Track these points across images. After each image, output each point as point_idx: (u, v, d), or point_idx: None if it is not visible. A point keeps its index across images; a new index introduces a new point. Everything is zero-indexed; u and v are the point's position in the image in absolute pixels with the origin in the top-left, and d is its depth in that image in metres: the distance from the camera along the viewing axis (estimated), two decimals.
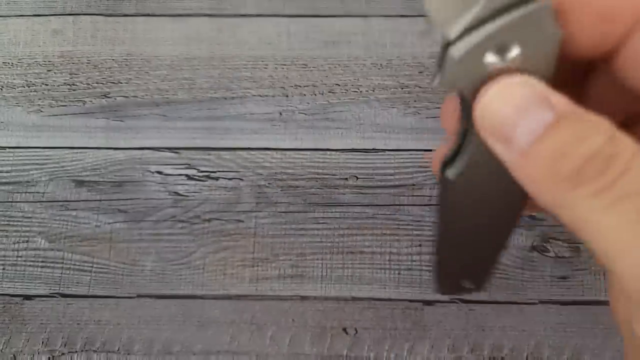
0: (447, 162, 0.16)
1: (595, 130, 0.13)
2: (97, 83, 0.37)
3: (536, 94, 0.13)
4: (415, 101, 0.36)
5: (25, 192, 0.35)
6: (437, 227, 0.17)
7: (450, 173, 0.15)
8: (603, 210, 0.13)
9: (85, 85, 0.37)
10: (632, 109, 0.16)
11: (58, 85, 0.37)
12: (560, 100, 0.13)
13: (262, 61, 0.37)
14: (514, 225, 0.17)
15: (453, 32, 0.14)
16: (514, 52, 0.14)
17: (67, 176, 0.35)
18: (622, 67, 0.14)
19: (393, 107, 0.36)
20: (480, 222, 0.17)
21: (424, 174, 0.35)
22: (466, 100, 0.14)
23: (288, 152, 0.35)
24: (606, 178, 0.12)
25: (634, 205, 0.12)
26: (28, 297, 0.34)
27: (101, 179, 0.35)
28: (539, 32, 0.14)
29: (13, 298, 0.34)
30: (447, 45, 0.14)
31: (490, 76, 0.14)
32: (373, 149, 0.35)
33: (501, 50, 0.14)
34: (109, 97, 0.37)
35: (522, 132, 0.13)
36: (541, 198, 0.13)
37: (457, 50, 0.14)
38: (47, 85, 0.37)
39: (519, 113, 0.13)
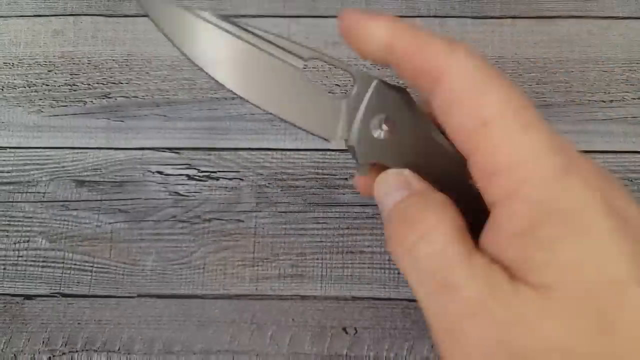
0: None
1: (419, 204, 0.18)
2: (97, 83, 0.37)
3: (403, 180, 0.19)
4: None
5: (26, 192, 0.35)
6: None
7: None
8: (408, 267, 0.17)
9: (86, 85, 0.37)
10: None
11: (59, 86, 0.37)
12: (417, 183, 0.19)
13: None
14: None
15: (340, 135, 0.20)
16: (386, 127, 0.19)
17: (68, 176, 0.35)
18: (438, 105, 0.18)
19: None
20: None
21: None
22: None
23: (288, 152, 0.35)
24: (410, 240, 0.17)
25: (423, 265, 0.16)
26: (29, 297, 0.34)
27: (102, 179, 0.35)
28: (400, 106, 0.20)
29: (14, 298, 0.34)
30: (347, 143, 0.20)
31: (380, 159, 0.20)
32: None
33: (377, 124, 0.20)
34: (109, 98, 0.37)
35: (388, 202, 0.19)
36: (387, 247, 0.18)
37: (352, 140, 0.20)
38: (47, 85, 0.37)
39: (388, 191, 0.19)
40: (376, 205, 0.34)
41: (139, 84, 0.37)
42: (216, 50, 0.20)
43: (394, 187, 0.19)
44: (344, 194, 0.35)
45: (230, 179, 0.35)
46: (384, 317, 0.33)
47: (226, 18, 0.21)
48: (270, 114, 0.20)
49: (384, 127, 0.20)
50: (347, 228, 0.34)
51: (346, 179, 0.35)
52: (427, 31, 0.18)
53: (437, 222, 0.17)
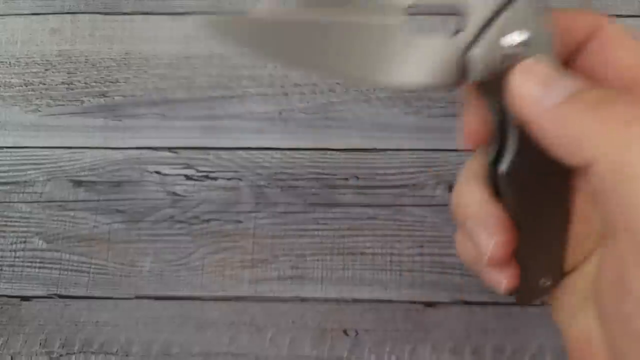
0: (495, 161, 0.17)
1: (617, 96, 0.15)
2: (95, 82, 0.37)
3: (553, 70, 0.16)
4: (416, 100, 0.36)
5: (23, 192, 0.35)
6: (515, 230, 0.18)
7: (504, 167, 0.17)
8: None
9: (83, 84, 0.37)
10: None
11: (56, 85, 0.37)
12: (579, 79, 0.16)
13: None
14: (571, 209, 0.19)
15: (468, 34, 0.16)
16: (522, 37, 0.16)
17: (65, 176, 0.35)
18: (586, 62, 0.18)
19: (394, 107, 0.36)
20: (543, 211, 0.18)
21: (425, 174, 0.34)
22: (492, 93, 0.16)
23: (288, 152, 0.35)
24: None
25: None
26: (26, 298, 0.34)
27: (99, 179, 0.35)
28: (536, 19, 0.16)
29: (11, 299, 0.33)
30: (469, 44, 0.16)
31: (509, 65, 0.16)
32: (374, 149, 0.35)
33: (511, 38, 0.16)
34: (107, 97, 0.36)
35: (549, 98, 0.15)
36: (557, 138, 0.15)
37: (478, 47, 0.16)
38: (44, 84, 0.37)
39: (545, 87, 0.16)
40: (377, 205, 0.34)
41: (136, 83, 0.36)
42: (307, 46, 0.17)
43: (551, 77, 0.16)
44: (344, 195, 0.34)
45: (228, 179, 0.35)
46: (385, 320, 0.33)
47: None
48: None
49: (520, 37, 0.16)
50: (348, 229, 0.34)
51: (346, 179, 0.35)
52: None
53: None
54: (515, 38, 0.16)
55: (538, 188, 0.18)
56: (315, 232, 0.34)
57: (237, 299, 0.33)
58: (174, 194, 0.35)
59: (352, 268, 0.33)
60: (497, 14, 0.17)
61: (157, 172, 0.35)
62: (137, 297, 0.33)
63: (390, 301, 0.33)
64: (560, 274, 0.19)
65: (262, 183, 0.35)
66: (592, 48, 0.18)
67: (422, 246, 0.34)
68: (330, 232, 0.34)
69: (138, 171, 0.35)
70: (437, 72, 0.17)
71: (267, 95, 0.36)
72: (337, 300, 0.33)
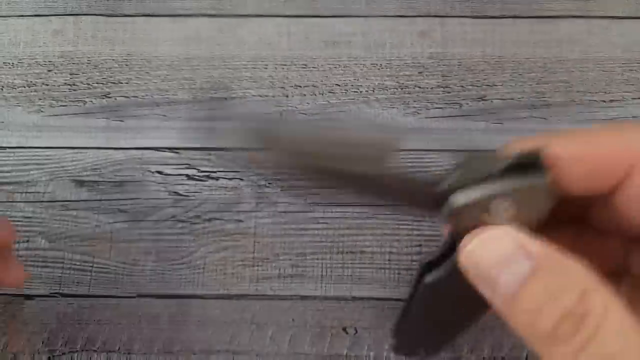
0: (429, 266, 0.17)
1: (568, 285, 0.13)
2: (97, 83, 0.37)
3: (516, 246, 0.14)
4: (414, 101, 0.36)
5: (26, 192, 0.35)
6: (403, 307, 0.18)
7: (430, 278, 0.17)
8: None
9: (86, 85, 0.37)
10: (631, 236, 0.16)
11: (58, 85, 0.37)
12: (538, 249, 0.14)
13: (262, 61, 0.37)
14: (479, 319, 0.19)
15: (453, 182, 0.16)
16: (509, 210, 0.15)
17: (68, 176, 0.35)
18: (622, 202, 0.15)
19: (393, 107, 0.36)
20: (445, 317, 0.19)
21: (425, 174, 0.35)
22: (458, 228, 0.16)
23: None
24: (579, 339, 0.13)
25: None
26: (28, 297, 0.34)
27: (101, 179, 0.35)
28: (535, 197, 0.15)
29: (14, 298, 0.34)
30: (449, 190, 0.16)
31: (479, 222, 0.15)
32: None
33: (495, 208, 0.16)
34: (109, 97, 0.37)
35: (504, 283, 0.14)
36: (527, 343, 0.14)
37: (456, 200, 0.16)
38: (47, 85, 0.37)
39: (500, 264, 0.14)
40: (376, 205, 0.34)
41: (138, 84, 0.37)
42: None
43: (507, 257, 0.14)
44: (344, 194, 0.35)
45: (230, 179, 0.35)
46: (384, 317, 0.33)
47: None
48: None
49: (507, 210, 0.16)
50: (348, 228, 0.34)
51: None
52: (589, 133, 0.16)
53: (605, 310, 0.13)
54: (460, 198, 0.16)
55: (445, 303, 0.18)
56: (315, 231, 0.34)
57: (238, 297, 0.34)
58: (176, 193, 0.35)
59: (352, 266, 0.34)
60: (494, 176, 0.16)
61: (159, 172, 0.35)
62: (139, 296, 0.34)
63: (389, 299, 0.33)
64: (436, 353, 0.21)
65: (262, 183, 0.35)
66: (631, 186, 0.15)
67: (420, 245, 0.34)
68: (330, 231, 0.34)
69: (140, 171, 0.35)
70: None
71: (268, 96, 0.36)
72: (336, 298, 0.33)
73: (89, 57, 0.37)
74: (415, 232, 0.34)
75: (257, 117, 0.19)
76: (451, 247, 0.17)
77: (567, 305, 0.13)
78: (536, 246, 0.14)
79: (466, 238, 0.16)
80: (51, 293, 0.34)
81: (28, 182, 0.35)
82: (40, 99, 0.37)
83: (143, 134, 0.36)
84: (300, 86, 0.36)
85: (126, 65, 0.37)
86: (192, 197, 0.35)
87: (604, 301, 0.13)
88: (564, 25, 0.37)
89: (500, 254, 0.15)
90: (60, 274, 0.34)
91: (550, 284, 0.14)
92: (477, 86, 0.36)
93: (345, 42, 0.37)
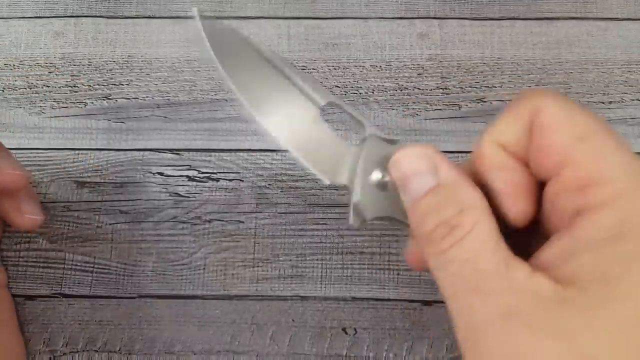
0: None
1: (453, 203, 0.17)
2: (98, 85, 0.37)
3: (429, 164, 0.19)
4: (414, 103, 0.36)
5: None
6: None
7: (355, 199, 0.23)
8: (438, 267, 0.17)
9: (87, 87, 0.37)
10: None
11: (59, 87, 0.37)
12: (447, 172, 0.19)
13: None
14: None
15: (341, 181, 0.23)
16: (384, 179, 0.21)
17: (69, 177, 0.35)
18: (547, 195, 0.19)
19: (392, 109, 0.36)
20: None
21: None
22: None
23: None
24: (445, 243, 0.17)
25: (457, 269, 0.17)
26: (30, 298, 0.34)
27: (102, 180, 0.35)
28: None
29: (15, 299, 0.34)
30: (352, 200, 0.22)
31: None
32: None
33: (377, 179, 0.21)
34: (110, 99, 0.37)
35: (412, 189, 0.19)
36: (417, 241, 0.19)
37: (355, 195, 0.22)
38: (48, 86, 0.37)
39: (413, 174, 0.19)
40: None
41: (139, 86, 0.37)
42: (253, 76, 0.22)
43: (421, 168, 0.19)
44: (343, 195, 0.35)
45: (230, 180, 0.35)
46: (384, 318, 0.33)
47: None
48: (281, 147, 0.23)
49: (384, 180, 0.21)
50: (347, 229, 0.34)
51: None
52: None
53: (472, 227, 0.17)
54: (377, 175, 0.21)
55: None
56: (315, 232, 0.34)
57: (239, 297, 0.34)
58: (177, 194, 0.35)
59: (351, 267, 0.34)
60: (362, 151, 0.22)
61: (160, 174, 0.36)
62: (140, 296, 0.34)
63: (388, 299, 0.33)
64: None
65: (263, 184, 0.35)
66: (534, 135, 0.18)
67: None
68: (329, 232, 0.34)
69: (141, 172, 0.35)
70: (322, 165, 0.23)
71: None
72: (336, 299, 0.33)
73: (89, 59, 0.38)
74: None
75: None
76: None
77: (445, 216, 0.17)
78: (444, 169, 0.19)
79: (395, 151, 0.20)
80: (52, 293, 0.34)
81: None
82: (41, 101, 0.37)
83: (144, 135, 0.36)
84: None
85: (127, 66, 0.37)
86: (193, 199, 0.35)
87: (474, 220, 0.17)
88: (562, 26, 0.37)
89: (415, 167, 0.19)
90: (61, 275, 0.34)
91: (441, 200, 0.18)
92: (476, 88, 0.37)
93: (345, 44, 0.37)
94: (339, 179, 0.23)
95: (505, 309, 0.15)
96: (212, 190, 0.35)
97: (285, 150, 0.22)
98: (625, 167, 0.16)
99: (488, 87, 0.37)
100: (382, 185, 0.21)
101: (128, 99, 0.37)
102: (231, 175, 0.35)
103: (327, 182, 0.23)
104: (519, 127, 0.18)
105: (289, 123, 0.22)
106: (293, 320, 0.33)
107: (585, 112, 0.18)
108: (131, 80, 0.37)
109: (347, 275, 0.34)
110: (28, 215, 0.31)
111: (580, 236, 0.16)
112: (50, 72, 0.37)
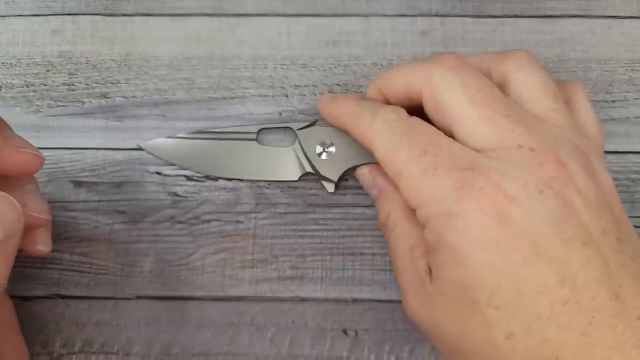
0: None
1: (385, 207, 0.30)
2: (96, 83, 0.37)
3: (368, 180, 0.32)
4: None
5: None
6: None
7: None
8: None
9: (84, 85, 0.37)
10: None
11: (57, 86, 0.37)
12: (380, 183, 0.31)
13: (262, 61, 0.37)
14: None
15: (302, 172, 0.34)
16: (325, 148, 0.32)
17: (66, 177, 0.35)
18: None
19: None
20: None
21: None
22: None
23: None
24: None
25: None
26: (26, 299, 0.34)
27: (100, 180, 0.35)
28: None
29: (12, 299, 0.33)
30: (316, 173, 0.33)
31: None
32: None
33: (320, 151, 0.32)
34: (107, 98, 0.36)
35: (373, 195, 0.32)
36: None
37: (314, 169, 0.33)
38: (45, 85, 0.37)
39: (368, 187, 0.33)
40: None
41: (137, 84, 0.37)
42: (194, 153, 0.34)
43: (369, 185, 0.32)
44: (344, 195, 0.34)
45: (229, 180, 0.35)
46: (385, 319, 0.33)
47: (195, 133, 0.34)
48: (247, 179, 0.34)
49: (326, 149, 0.32)
50: (348, 229, 0.34)
51: (346, 179, 0.34)
52: (352, 99, 0.30)
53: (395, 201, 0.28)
54: (319, 149, 0.32)
55: None
56: (315, 233, 0.34)
57: (238, 299, 0.33)
58: (175, 194, 0.35)
59: (352, 268, 0.34)
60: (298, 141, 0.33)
61: (158, 173, 0.35)
62: (138, 297, 0.33)
63: (390, 301, 0.33)
64: None
65: (262, 184, 0.35)
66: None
67: None
68: (330, 233, 0.34)
69: (139, 172, 0.35)
70: (281, 173, 0.34)
71: (267, 96, 0.36)
72: (336, 300, 0.33)
73: (87, 57, 0.37)
74: None
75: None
76: None
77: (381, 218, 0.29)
78: (379, 181, 0.30)
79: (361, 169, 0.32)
80: (49, 294, 0.34)
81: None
82: (38, 99, 0.37)
83: (142, 134, 0.36)
84: (300, 86, 0.36)
85: (125, 65, 0.37)
86: (191, 198, 0.35)
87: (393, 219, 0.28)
88: (565, 24, 0.37)
89: (366, 184, 0.31)
90: (58, 275, 0.34)
91: (380, 204, 0.30)
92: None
93: (346, 42, 0.37)
94: (302, 171, 0.33)
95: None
96: (210, 190, 0.35)
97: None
98: (431, 193, 0.23)
99: None
100: (328, 153, 0.32)
101: (126, 97, 0.36)
102: None
103: (330, 189, 0.33)
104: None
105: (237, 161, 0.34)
106: (293, 322, 0.33)
107: (406, 136, 0.25)
108: (129, 79, 0.37)
109: (347, 277, 0.34)
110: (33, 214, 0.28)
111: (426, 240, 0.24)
112: (47, 71, 0.37)
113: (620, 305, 0.19)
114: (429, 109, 0.25)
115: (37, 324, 0.33)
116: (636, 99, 0.36)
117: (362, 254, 0.34)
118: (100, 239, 0.34)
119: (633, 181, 0.34)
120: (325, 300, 0.33)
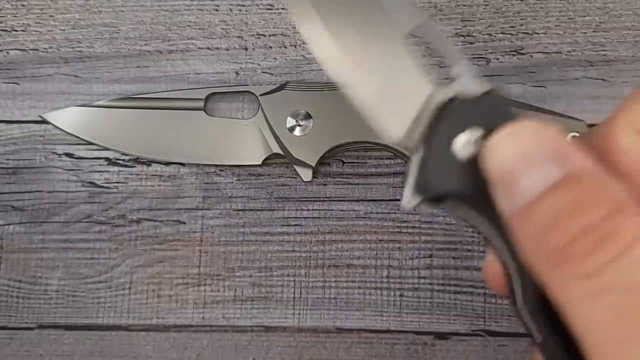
0: (514, 297, 0.16)
1: (600, 198, 0.13)
2: None
3: (549, 144, 0.14)
4: None
5: None
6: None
7: (519, 304, 0.16)
8: (586, 296, 0.13)
9: None
10: None
11: None
12: (581, 160, 0.13)
13: (212, 0, 0.30)
14: None
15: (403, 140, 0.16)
16: (476, 133, 0.15)
17: None
18: None
19: None
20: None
21: None
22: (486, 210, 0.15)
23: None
24: (597, 260, 0.13)
25: (620, 301, 0.12)
26: None
27: None
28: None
29: None
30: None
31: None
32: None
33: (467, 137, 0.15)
34: None
35: (524, 185, 0.13)
36: (530, 263, 0.14)
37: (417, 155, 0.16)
38: None
39: (526, 163, 0.14)
40: (369, 200, 0.26)
41: (39, 32, 0.30)
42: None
43: (536, 157, 0.13)
44: (324, 185, 0.28)
45: (166, 164, 0.29)
46: (381, 356, 0.28)
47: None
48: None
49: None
50: (330, 232, 0.29)
51: (328, 163, 0.28)
52: None
53: (634, 237, 0.12)
54: (464, 139, 0.15)
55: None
56: (285, 237, 0.29)
57: (178, 328, 0.28)
58: (92, 184, 0.29)
59: (336, 286, 0.29)
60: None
61: (68, 155, 0.29)
62: (40, 327, 0.28)
63: (387, 331, 0.28)
64: None
65: (212, 170, 0.29)
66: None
67: (431, 256, 0.28)
68: (305, 237, 0.29)
69: (42, 153, 0.29)
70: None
71: (220, 49, 0.30)
72: (314, 330, 0.28)
73: None
74: (424, 238, 0.28)
75: None
76: (517, 267, 0.16)
77: (592, 220, 0.13)
78: (575, 153, 0.13)
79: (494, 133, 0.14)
80: None
81: None
82: None
83: (46, 101, 0.30)
84: (265, 35, 0.30)
85: (22, 6, 0.30)
86: (114, 190, 0.29)
87: (637, 226, 0.12)
88: None
89: (528, 151, 0.14)
90: None
91: (580, 196, 0.13)
92: (511, 34, 0.30)
93: None
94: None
95: None
96: (141, 178, 0.29)
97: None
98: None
99: (527, 33, 0.30)
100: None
101: (24, 50, 0.30)
102: None
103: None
104: None
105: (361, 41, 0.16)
106: (254, 359, 0.28)
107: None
108: (28, 25, 0.30)
109: (329, 297, 0.29)
110: None
111: None
112: None
113: None
114: None
115: None
116: None
117: (349, 265, 0.28)
118: None
119: None
120: (300, 330, 0.28)
